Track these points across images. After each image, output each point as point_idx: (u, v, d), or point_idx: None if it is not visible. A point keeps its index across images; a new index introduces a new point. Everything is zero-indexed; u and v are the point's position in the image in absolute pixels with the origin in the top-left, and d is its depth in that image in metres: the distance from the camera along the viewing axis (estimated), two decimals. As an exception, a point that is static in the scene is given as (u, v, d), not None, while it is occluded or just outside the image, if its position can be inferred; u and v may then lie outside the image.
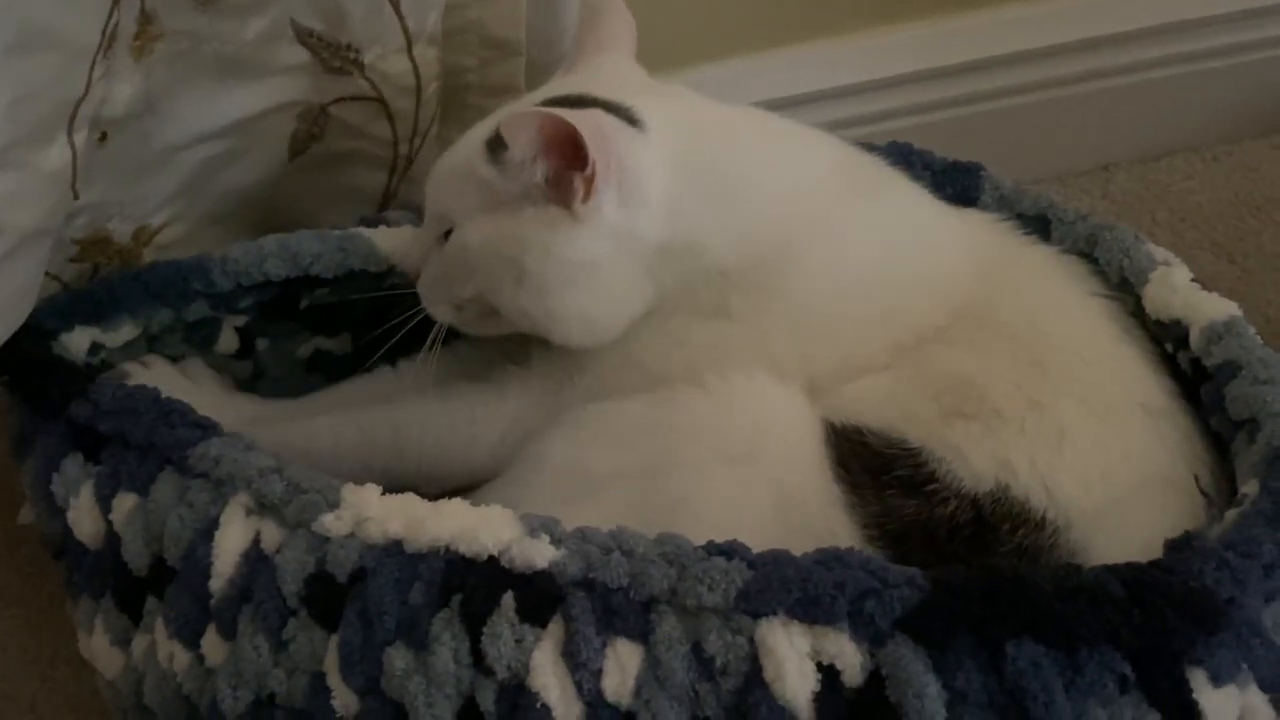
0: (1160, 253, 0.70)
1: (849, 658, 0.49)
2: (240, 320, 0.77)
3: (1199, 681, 0.48)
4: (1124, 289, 0.69)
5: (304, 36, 0.77)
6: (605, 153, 0.63)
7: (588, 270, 0.65)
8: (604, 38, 0.74)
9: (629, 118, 0.66)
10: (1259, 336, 0.64)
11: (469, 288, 0.68)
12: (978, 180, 0.78)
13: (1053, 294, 0.68)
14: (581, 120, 0.62)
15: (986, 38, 1.09)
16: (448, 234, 0.69)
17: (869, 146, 0.78)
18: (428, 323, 0.71)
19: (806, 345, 0.65)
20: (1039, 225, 0.74)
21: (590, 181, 0.64)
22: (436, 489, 0.62)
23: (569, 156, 0.63)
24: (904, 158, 0.79)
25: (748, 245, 0.67)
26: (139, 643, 0.60)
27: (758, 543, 0.52)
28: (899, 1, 1.07)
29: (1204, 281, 0.69)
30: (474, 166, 0.66)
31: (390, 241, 0.77)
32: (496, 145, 0.65)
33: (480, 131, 0.69)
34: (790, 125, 0.73)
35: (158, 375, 0.73)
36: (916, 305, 0.67)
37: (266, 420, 0.73)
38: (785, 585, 0.49)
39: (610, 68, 0.73)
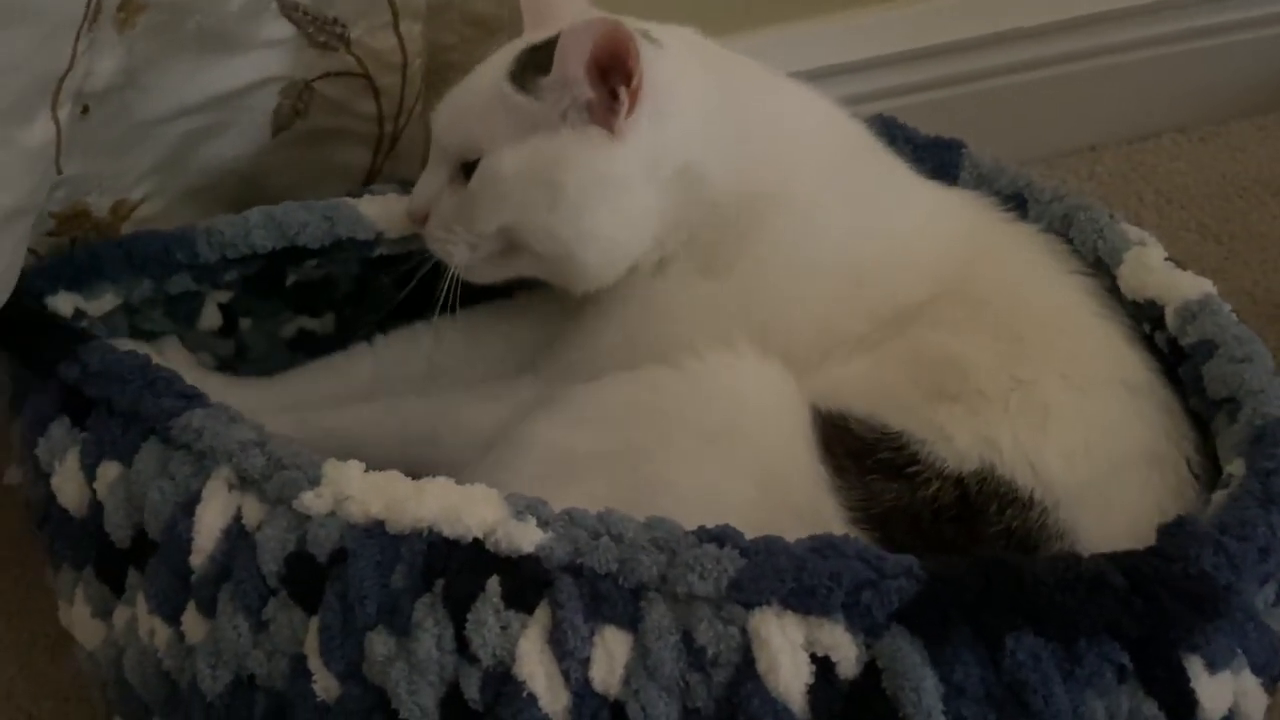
0: (1135, 232, 0.70)
1: (844, 650, 0.48)
2: (224, 296, 0.76)
3: (1196, 669, 0.49)
4: (1099, 269, 0.69)
5: (289, 10, 0.76)
6: (652, 67, 0.65)
7: (621, 189, 0.67)
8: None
9: (646, 37, 0.67)
10: (1235, 314, 0.64)
11: (497, 218, 0.68)
12: (958, 157, 0.78)
13: (1032, 269, 0.69)
14: (625, 36, 0.63)
15: (973, 18, 1.08)
16: (466, 170, 0.69)
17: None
18: (417, 289, 0.70)
19: (787, 307, 0.66)
20: (1016, 204, 0.74)
21: (635, 96, 0.65)
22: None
23: (614, 71, 0.65)
24: (887, 131, 0.80)
25: (744, 181, 0.68)
26: (120, 615, 0.59)
27: (741, 522, 0.52)
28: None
29: (1185, 261, 0.69)
30: (503, 95, 0.67)
31: (377, 209, 0.76)
32: (529, 70, 0.66)
33: (500, 60, 0.70)
34: (787, 78, 0.74)
35: None
36: (894, 274, 0.67)
37: (270, 409, 0.71)
38: (779, 574, 0.49)
39: (582, 12, 0.73)
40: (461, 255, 0.70)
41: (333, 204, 0.75)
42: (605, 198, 0.66)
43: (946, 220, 0.71)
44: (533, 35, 0.72)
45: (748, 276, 0.67)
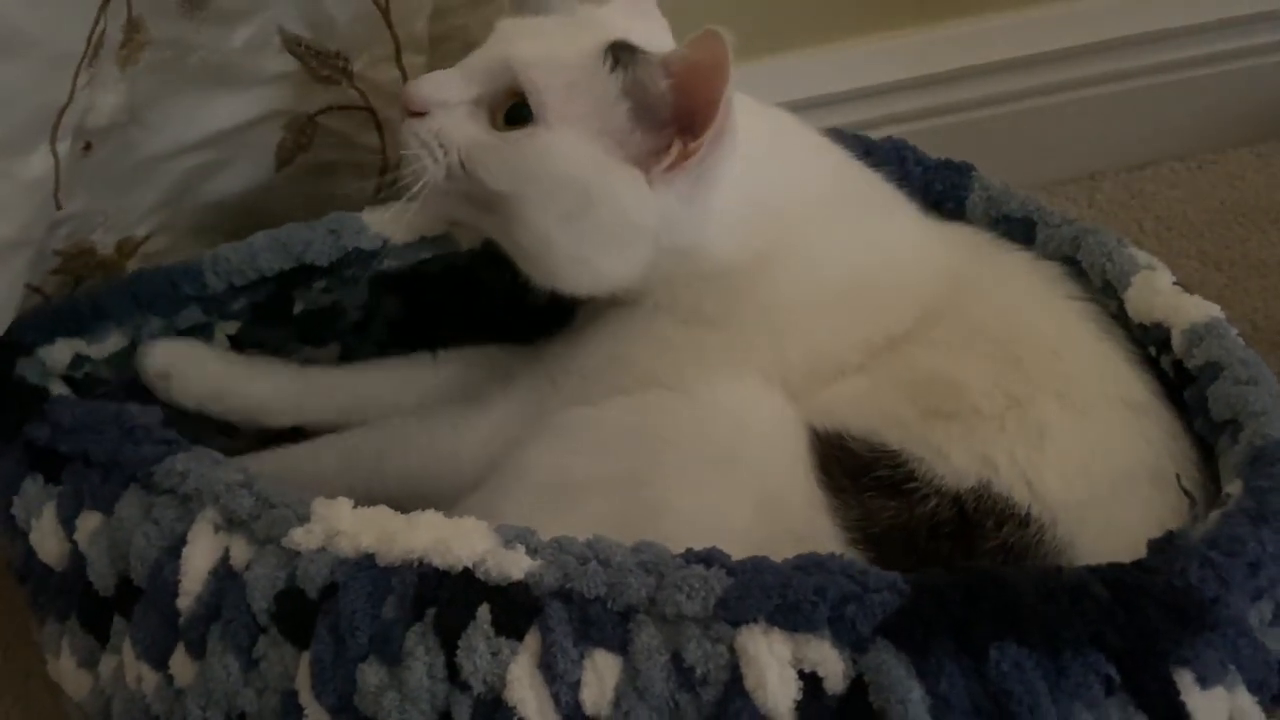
0: (1143, 256, 0.70)
1: (831, 665, 0.48)
2: (232, 327, 0.76)
3: (1186, 682, 0.48)
4: (1107, 292, 0.69)
5: (292, 45, 0.77)
6: (716, 143, 0.62)
7: (635, 237, 0.64)
8: None
9: None
10: (1240, 338, 0.64)
11: (509, 186, 0.64)
12: (967, 179, 0.78)
13: (1028, 294, 0.68)
14: (728, 96, 0.60)
15: (974, 46, 1.09)
16: (509, 113, 0.64)
17: (865, 141, 0.79)
18: (422, 320, 0.69)
19: (780, 347, 0.65)
20: (1025, 227, 0.74)
21: (685, 159, 0.63)
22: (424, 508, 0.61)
23: (680, 118, 0.62)
24: (898, 154, 0.80)
25: (745, 250, 0.67)
26: (106, 664, 0.59)
27: (741, 548, 0.52)
28: (888, 9, 1.07)
29: (1188, 288, 0.69)
30: (600, 80, 0.63)
31: (381, 218, 0.74)
32: (626, 68, 0.63)
33: (596, 30, 0.65)
34: (791, 128, 0.73)
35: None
36: (889, 306, 0.67)
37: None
38: (765, 592, 0.49)
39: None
40: (435, 174, 0.65)
41: (336, 217, 0.75)
42: (616, 240, 0.64)
43: (943, 251, 0.71)
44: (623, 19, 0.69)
45: (744, 322, 0.66)
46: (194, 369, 0.71)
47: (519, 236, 0.65)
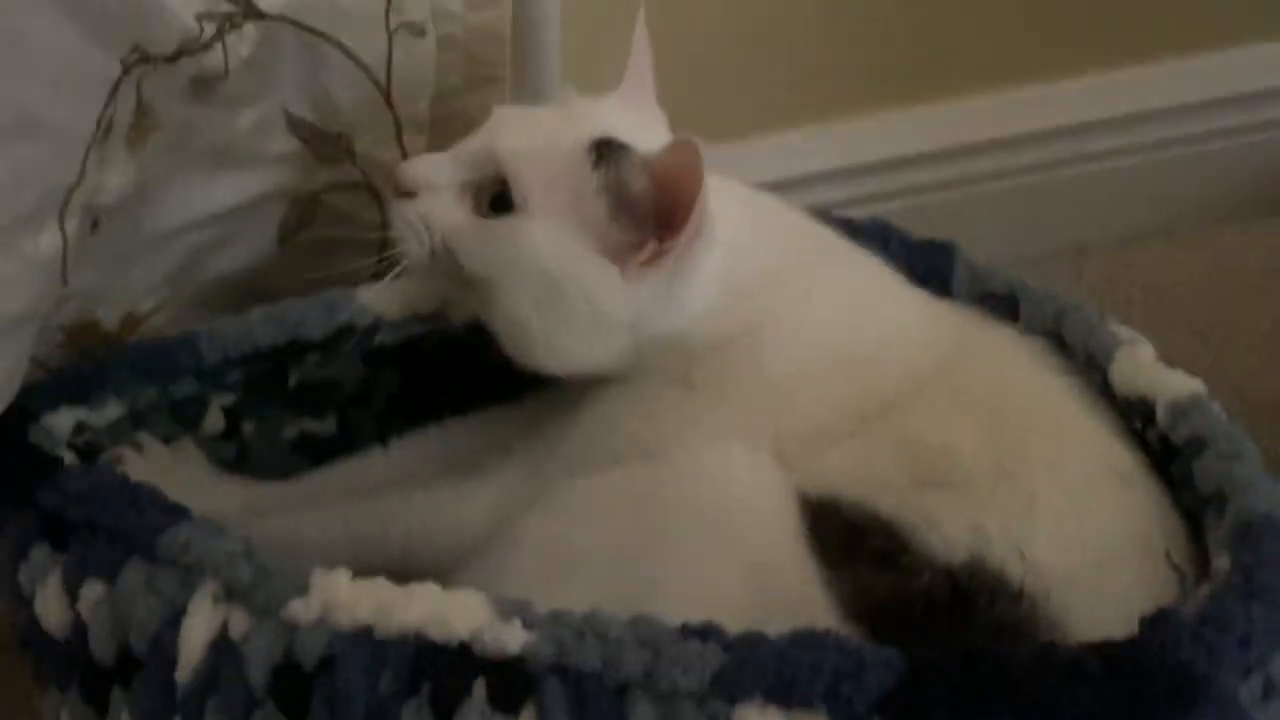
0: (1124, 332, 0.71)
1: (827, 742, 0.47)
2: (227, 399, 0.77)
3: (1180, 760, 0.48)
4: (1091, 367, 0.70)
5: (296, 127, 0.78)
6: (690, 245, 0.64)
7: (609, 328, 0.66)
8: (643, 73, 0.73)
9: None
10: (1224, 413, 0.65)
11: (489, 271, 0.66)
12: (951, 259, 0.80)
13: (1016, 368, 0.69)
14: (703, 202, 0.62)
15: (962, 124, 1.12)
16: (494, 200, 0.66)
17: (849, 223, 0.81)
18: (421, 391, 0.70)
19: (771, 416, 0.66)
20: (1008, 304, 0.76)
21: (658, 257, 0.64)
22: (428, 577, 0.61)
23: (658, 217, 0.64)
24: (881, 234, 0.81)
25: (722, 329, 0.68)
26: (105, 735, 0.59)
27: (734, 619, 0.51)
28: (876, 88, 1.10)
29: (1177, 360, 0.70)
30: (580, 173, 0.65)
31: (377, 294, 0.76)
32: (609, 165, 0.65)
33: (584, 124, 0.67)
34: (773, 209, 0.74)
35: (151, 457, 0.73)
36: (879, 375, 0.67)
37: (256, 512, 0.72)
38: (761, 668, 0.49)
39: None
40: (418, 255, 0.67)
41: (331, 294, 0.76)
42: (589, 329, 0.66)
43: (929, 324, 0.72)
44: (620, 106, 0.71)
45: (735, 393, 0.67)
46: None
47: (496, 318, 0.68)
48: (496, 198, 0.67)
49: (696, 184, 0.62)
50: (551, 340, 0.66)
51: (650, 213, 0.65)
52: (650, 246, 0.65)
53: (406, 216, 0.68)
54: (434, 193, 0.68)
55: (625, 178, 0.65)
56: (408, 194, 0.69)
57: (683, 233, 0.63)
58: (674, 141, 0.63)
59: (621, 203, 0.65)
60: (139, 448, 0.73)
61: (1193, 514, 0.63)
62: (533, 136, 0.68)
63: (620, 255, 0.65)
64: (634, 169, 0.64)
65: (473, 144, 0.69)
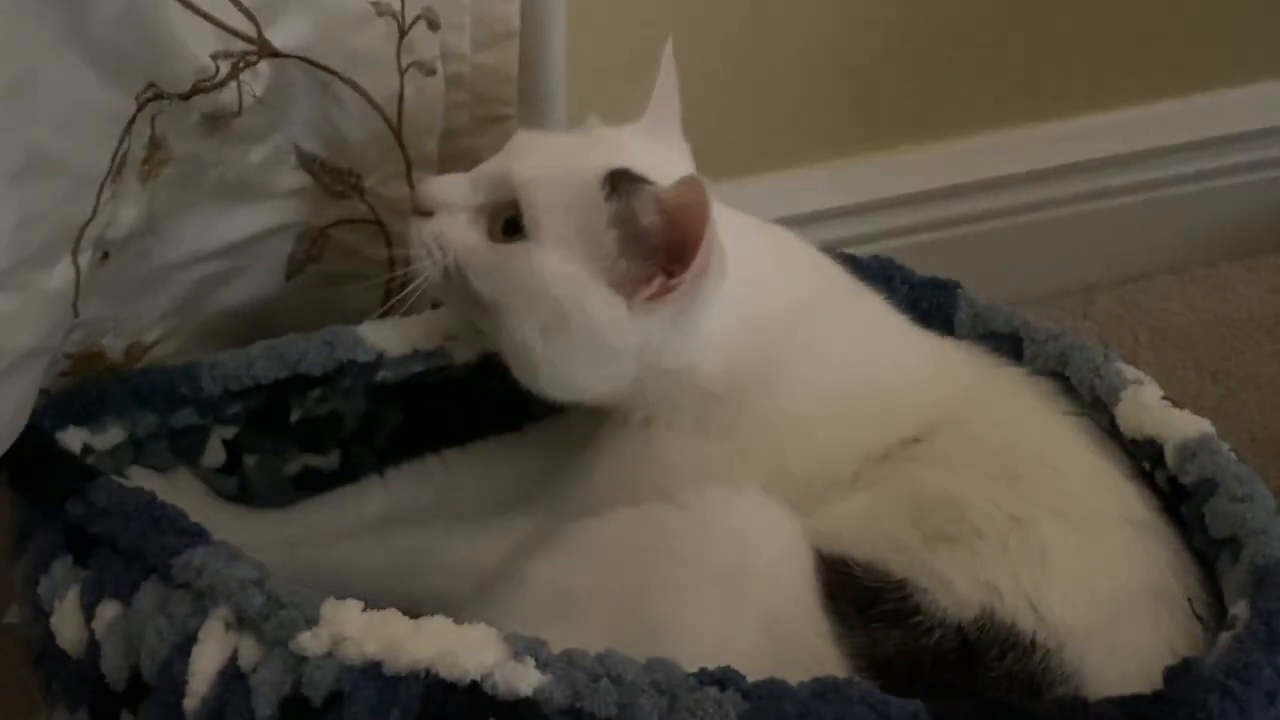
0: (1130, 371, 0.70)
1: (850, 799, 0.46)
2: (228, 432, 0.77)
3: (1207, 819, 0.47)
4: (1097, 407, 0.69)
5: (307, 162, 0.79)
6: (697, 280, 0.64)
7: (612, 358, 0.66)
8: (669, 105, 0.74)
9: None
10: (1234, 453, 0.64)
11: (497, 295, 0.66)
12: (954, 297, 0.79)
13: (1024, 410, 0.69)
14: (710, 238, 0.62)
15: (969, 163, 1.12)
16: (507, 225, 0.67)
17: (853, 259, 0.81)
18: (423, 427, 0.69)
19: (778, 459, 0.66)
20: (1012, 343, 0.75)
21: (666, 292, 0.64)
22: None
23: (668, 251, 0.64)
24: (885, 272, 0.81)
25: (734, 372, 0.67)
26: (112, 761, 0.58)
27: (743, 665, 0.51)
28: (883, 128, 1.10)
29: (1184, 400, 0.69)
30: (592, 205, 0.65)
31: (378, 332, 0.76)
32: (622, 198, 0.65)
33: (603, 153, 0.68)
34: (786, 245, 0.74)
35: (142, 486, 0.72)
36: (885, 417, 0.67)
37: (255, 545, 0.71)
38: (782, 718, 0.47)
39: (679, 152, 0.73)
40: (434, 274, 0.68)
41: (332, 330, 0.76)
42: (592, 357, 0.66)
43: (937, 364, 0.72)
44: (642, 140, 0.71)
45: (743, 435, 0.67)
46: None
47: (502, 339, 0.68)
48: (509, 222, 0.67)
49: (704, 221, 0.62)
50: (555, 366, 0.66)
51: (660, 246, 0.65)
52: (658, 281, 0.65)
53: (422, 235, 0.69)
54: (450, 213, 0.69)
55: (636, 210, 0.65)
56: (425, 213, 0.69)
57: (690, 268, 0.64)
58: (682, 178, 0.63)
59: (631, 235, 0.65)
60: (127, 480, 0.72)
61: (1204, 557, 0.62)
62: (549, 163, 0.68)
63: (628, 288, 0.65)
64: (645, 202, 0.65)
65: (491, 167, 0.70)
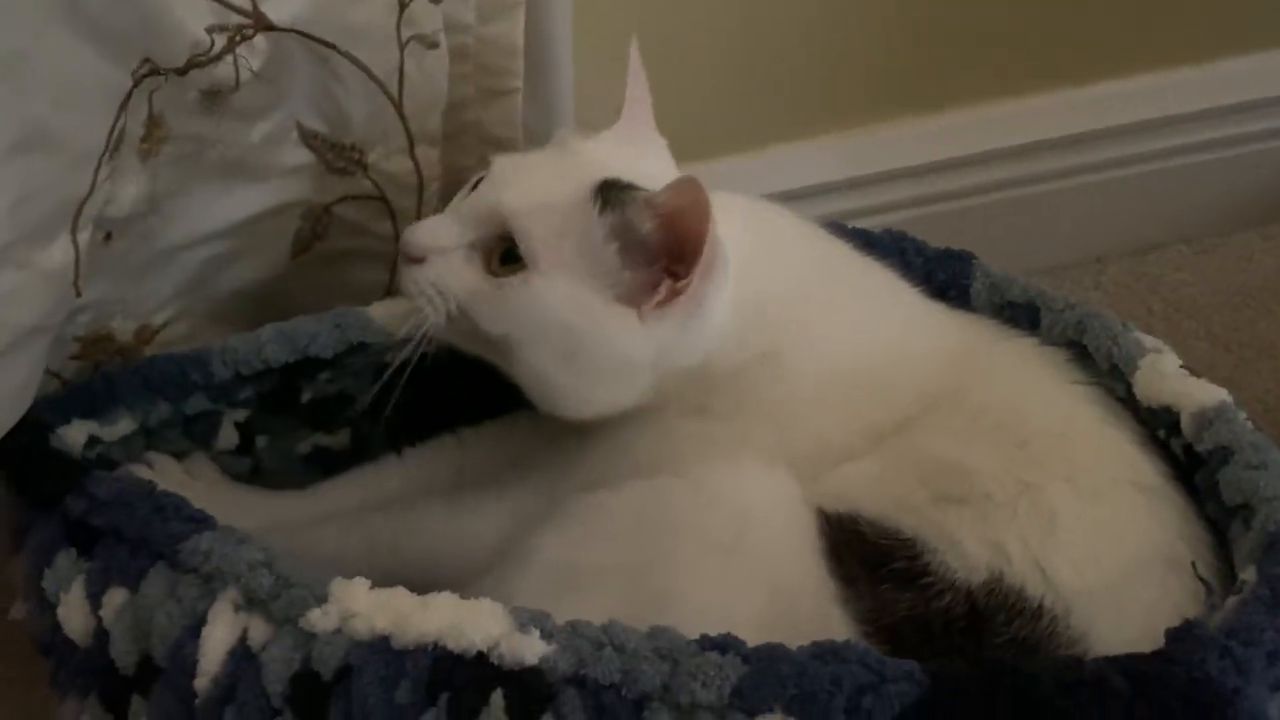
0: (1149, 340, 0.70)
1: (847, 756, 0.47)
2: (240, 415, 0.77)
3: (1207, 777, 0.47)
4: (1114, 376, 0.69)
5: (308, 139, 0.78)
6: (704, 278, 0.64)
7: (631, 370, 0.66)
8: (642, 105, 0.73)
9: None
10: (1250, 422, 0.64)
11: (506, 330, 0.66)
12: (969, 268, 0.79)
13: (1032, 380, 0.68)
14: (710, 235, 0.62)
15: (980, 133, 1.11)
16: (504, 256, 0.66)
17: (865, 233, 0.80)
18: (433, 403, 0.69)
19: (786, 436, 0.65)
20: (1029, 313, 0.75)
21: (674, 295, 0.64)
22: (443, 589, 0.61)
23: (669, 254, 0.64)
24: (898, 245, 0.81)
25: (741, 356, 0.67)
26: (124, 744, 0.59)
27: (749, 636, 0.51)
28: (892, 98, 1.09)
29: (1198, 370, 0.68)
30: (587, 224, 0.64)
31: (387, 312, 0.76)
32: (615, 209, 0.64)
33: (586, 169, 0.67)
34: (781, 222, 0.74)
35: (164, 473, 0.72)
36: (894, 391, 0.67)
37: (274, 523, 0.72)
38: (781, 681, 0.48)
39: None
40: (436, 320, 0.67)
41: (341, 312, 0.77)
42: (613, 375, 0.66)
43: (946, 335, 0.71)
44: (620, 145, 0.70)
45: (750, 414, 0.67)
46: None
47: (521, 373, 0.68)
48: (506, 253, 0.67)
49: (704, 219, 0.62)
50: (578, 390, 0.66)
51: (661, 252, 0.64)
52: (664, 286, 0.65)
53: (420, 285, 0.68)
54: (443, 256, 0.68)
55: (632, 220, 0.64)
56: (416, 260, 0.68)
57: (695, 269, 0.63)
58: (678, 179, 0.63)
59: (631, 245, 0.65)
60: (149, 465, 0.73)
61: (1218, 525, 0.62)
62: (535, 188, 0.67)
63: (635, 298, 0.65)
64: (640, 210, 0.64)
65: (476, 201, 0.69)
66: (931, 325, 0.72)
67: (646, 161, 0.71)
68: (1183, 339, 1.07)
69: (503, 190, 0.68)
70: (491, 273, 0.67)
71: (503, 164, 0.70)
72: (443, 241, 0.68)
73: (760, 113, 1.05)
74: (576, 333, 0.65)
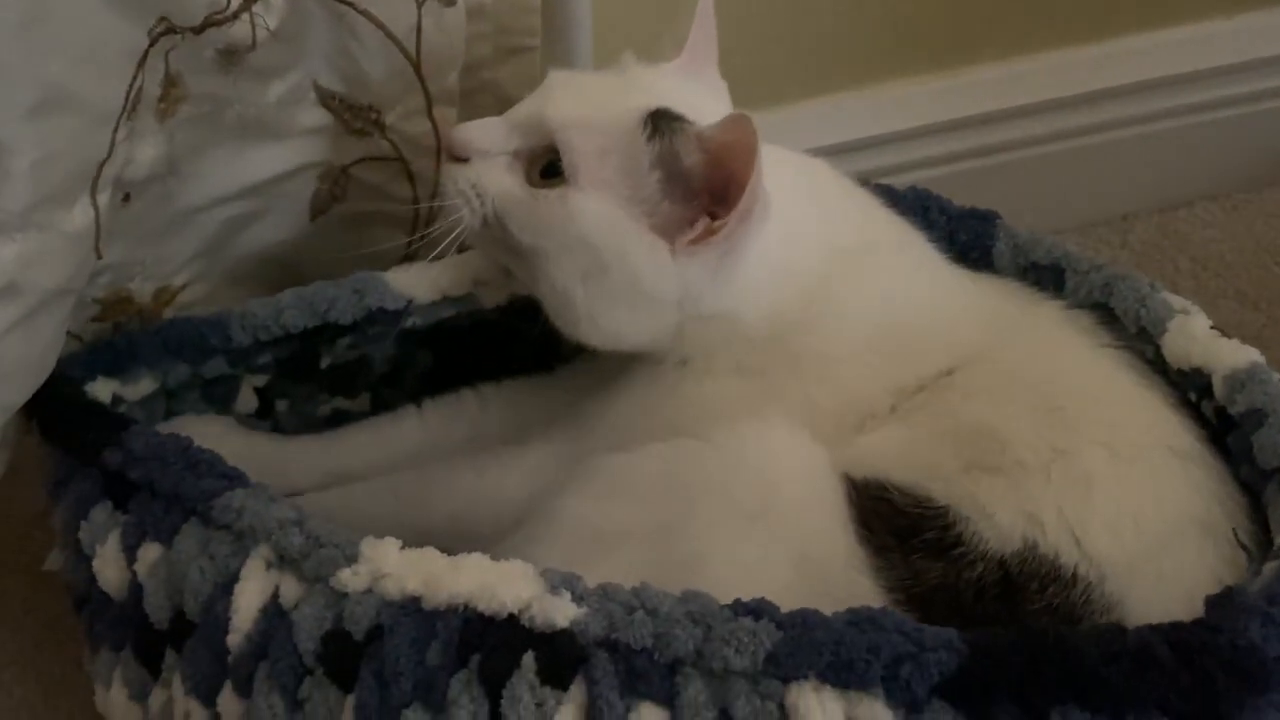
0: (1177, 301, 0.69)
1: (884, 725, 0.46)
2: (260, 380, 0.77)
3: (1248, 744, 0.46)
4: (1142, 338, 0.68)
5: (326, 99, 0.78)
6: (742, 222, 0.63)
7: (653, 305, 0.65)
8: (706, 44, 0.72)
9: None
10: None
11: (537, 241, 0.65)
12: (992, 228, 0.78)
13: (1063, 344, 0.68)
14: (757, 178, 0.60)
15: (1005, 89, 1.09)
16: (545, 169, 0.65)
17: (889, 190, 0.79)
18: (452, 369, 0.68)
19: (810, 394, 0.65)
20: (1054, 274, 0.74)
21: (709, 234, 0.63)
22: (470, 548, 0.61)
23: (711, 192, 0.63)
24: (922, 203, 0.80)
25: (771, 315, 0.67)
26: (156, 698, 0.59)
27: (778, 599, 0.50)
28: (918, 54, 1.07)
29: (1226, 329, 0.68)
30: (632, 148, 0.63)
31: (406, 278, 0.76)
32: (665, 137, 0.63)
33: (640, 95, 0.66)
34: (823, 179, 0.72)
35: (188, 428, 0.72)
36: (920, 351, 0.66)
37: (315, 471, 0.72)
38: (816, 648, 0.48)
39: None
40: (471, 222, 0.66)
41: (361, 277, 0.76)
42: (635, 305, 0.65)
43: (973, 298, 0.70)
44: (676, 78, 0.69)
45: (778, 374, 0.66)
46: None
47: (542, 287, 0.67)
48: (548, 166, 0.66)
49: (751, 160, 0.61)
50: (595, 314, 0.65)
51: (703, 189, 0.63)
52: (701, 223, 0.64)
53: (458, 183, 0.67)
54: (486, 159, 0.67)
55: (678, 151, 0.63)
56: (460, 159, 0.67)
57: (735, 210, 0.62)
58: (729, 116, 0.62)
59: (674, 176, 0.64)
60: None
61: (1252, 488, 0.61)
62: (586, 105, 0.66)
63: (670, 231, 0.64)
64: (688, 143, 0.63)
65: (526, 110, 0.68)
66: (962, 287, 0.71)
67: (704, 99, 0.69)
68: (1210, 297, 1.06)
69: (552, 102, 0.67)
70: (531, 183, 0.66)
71: (557, 77, 0.69)
72: (488, 144, 0.67)
73: (785, 68, 1.04)
74: (605, 255, 0.64)
